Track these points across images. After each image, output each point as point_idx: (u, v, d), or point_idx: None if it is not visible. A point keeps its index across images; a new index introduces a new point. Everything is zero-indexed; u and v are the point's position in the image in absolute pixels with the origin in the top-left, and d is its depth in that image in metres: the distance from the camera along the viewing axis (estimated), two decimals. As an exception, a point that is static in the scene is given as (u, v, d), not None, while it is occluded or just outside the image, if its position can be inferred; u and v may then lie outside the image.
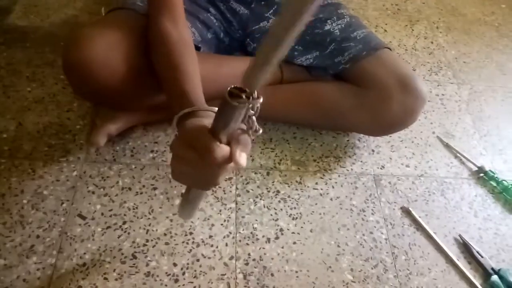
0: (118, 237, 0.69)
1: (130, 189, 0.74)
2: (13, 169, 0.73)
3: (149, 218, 0.71)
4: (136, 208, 0.72)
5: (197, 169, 0.45)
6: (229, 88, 0.40)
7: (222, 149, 0.42)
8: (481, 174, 0.88)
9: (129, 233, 0.69)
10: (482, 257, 0.75)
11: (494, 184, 0.87)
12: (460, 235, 0.78)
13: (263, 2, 0.84)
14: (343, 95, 0.78)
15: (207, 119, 0.45)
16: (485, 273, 0.74)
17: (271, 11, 0.85)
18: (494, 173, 0.87)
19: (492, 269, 0.74)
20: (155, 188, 0.75)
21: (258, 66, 0.37)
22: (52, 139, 0.78)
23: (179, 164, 0.46)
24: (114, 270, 0.65)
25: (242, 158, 0.42)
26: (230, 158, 0.42)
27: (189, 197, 0.54)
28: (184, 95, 0.54)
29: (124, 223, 0.70)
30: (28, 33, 0.95)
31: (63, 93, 0.85)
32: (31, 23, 0.97)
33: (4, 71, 0.87)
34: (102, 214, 0.71)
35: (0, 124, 0.78)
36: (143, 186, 0.75)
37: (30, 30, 0.95)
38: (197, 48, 0.77)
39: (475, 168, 0.89)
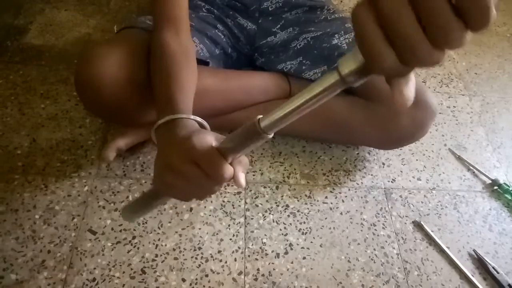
0: (128, 252, 0.69)
1: (140, 204, 0.75)
2: (26, 185, 0.75)
3: (158, 233, 0.72)
4: (146, 223, 0.73)
5: (196, 185, 0.45)
6: (258, 117, 0.42)
7: (231, 171, 0.43)
8: (495, 187, 0.86)
9: (138, 248, 0.70)
10: (498, 273, 0.73)
11: (509, 197, 0.85)
12: (474, 250, 0.76)
13: (270, 18, 0.85)
14: (352, 109, 0.78)
15: (208, 135, 0.45)
16: (501, 289, 0.72)
17: (278, 26, 0.86)
18: (509, 186, 0.85)
19: (509, 285, 0.72)
20: (164, 203, 0.75)
21: (281, 116, 0.41)
22: (65, 154, 0.80)
23: (177, 179, 0.46)
24: (123, 286, 0.65)
25: (243, 178, 0.44)
26: (232, 177, 0.43)
27: (151, 203, 0.53)
28: (173, 102, 0.54)
29: (134, 238, 0.71)
30: (43, 51, 0.97)
31: (76, 110, 0.87)
32: (46, 42, 1.00)
33: (20, 88, 0.89)
34: (112, 229, 0.71)
35: (15, 141, 0.80)
36: (153, 201, 0.76)
37: (45, 48, 0.98)
38: (206, 63, 0.78)
39: (488, 181, 0.88)
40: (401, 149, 0.90)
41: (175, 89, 0.57)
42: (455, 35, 0.25)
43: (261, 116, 0.43)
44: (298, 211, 0.78)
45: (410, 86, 0.29)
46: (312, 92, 0.40)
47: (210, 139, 0.45)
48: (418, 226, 0.79)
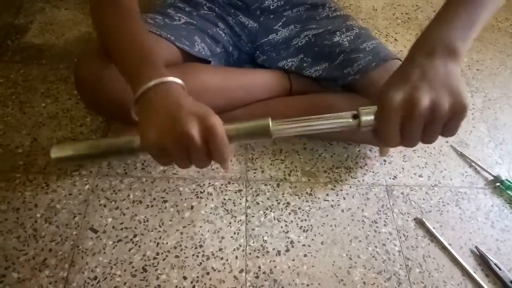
0: (129, 250, 0.69)
1: (141, 202, 0.75)
2: (27, 184, 0.75)
3: (159, 231, 0.72)
4: (147, 221, 0.73)
5: (196, 159, 0.49)
6: (270, 120, 0.49)
7: (230, 156, 0.49)
8: (498, 184, 0.86)
9: (139, 246, 0.70)
10: (500, 269, 0.73)
11: (511, 193, 0.84)
12: (476, 247, 0.76)
13: (271, 16, 0.85)
14: (352, 107, 0.78)
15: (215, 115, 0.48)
16: (503, 286, 0.72)
17: (280, 23, 0.86)
18: (511, 183, 0.85)
19: (511, 282, 0.72)
20: (165, 201, 0.75)
21: (291, 128, 0.51)
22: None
23: (179, 150, 0.47)
24: (125, 284, 0.65)
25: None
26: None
27: (120, 154, 0.54)
28: (153, 64, 0.53)
29: (135, 236, 0.71)
30: (43, 50, 0.97)
31: (77, 108, 0.87)
32: (47, 41, 1.00)
33: (21, 87, 0.89)
34: (113, 227, 0.71)
35: (16, 140, 0.80)
36: (154, 199, 0.76)
37: (46, 47, 0.98)
38: (208, 62, 0.78)
39: (491, 178, 0.87)
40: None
41: (148, 49, 0.55)
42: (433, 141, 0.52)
43: (272, 119, 0.49)
44: (299, 208, 0.78)
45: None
46: (328, 125, 0.51)
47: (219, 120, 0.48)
48: (419, 223, 0.79)
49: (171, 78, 0.51)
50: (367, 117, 0.49)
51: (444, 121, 0.47)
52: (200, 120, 0.47)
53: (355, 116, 0.48)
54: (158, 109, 0.48)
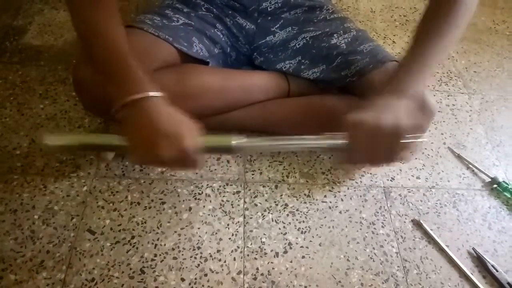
0: (127, 252, 0.69)
1: (139, 203, 0.75)
2: (25, 185, 0.75)
3: (157, 233, 0.72)
4: (145, 222, 0.73)
5: (171, 166, 0.61)
6: (233, 142, 0.59)
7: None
8: (495, 185, 0.86)
9: (137, 248, 0.70)
10: (497, 271, 0.73)
11: (508, 195, 0.85)
12: (473, 248, 0.76)
13: (269, 17, 0.85)
14: (349, 109, 0.78)
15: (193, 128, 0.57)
16: (500, 287, 0.72)
17: (277, 25, 0.86)
18: (508, 184, 0.85)
19: (508, 283, 0.72)
20: (163, 203, 0.75)
21: (255, 145, 0.64)
22: (63, 155, 0.80)
23: (156, 160, 0.56)
24: (123, 285, 0.65)
25: None
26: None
27: (108, 148, 0.65)
28: (136, 76, 0.57)
29: (133, 237, 0.71)
30: (42, 51, 0.97)
31: (75, 110, 0.87)
32: (45, 42, 1.00)
33: (19, 89, 0.89)
34: (111, 229, 0.71)
35: (14, 141, 0.80)
36: (152, 200, 0.76)
37: (44, 49, 0.98)
38: (206, 63, 0.78)
39: (488, 179, 0.88)
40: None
41: (127, 54, 0.58)
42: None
43: (236, 139, 0.59)
44: (297, 210, 0.78)
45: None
46: (302, 145, 0.66)
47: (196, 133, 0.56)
48: (417, 224, 0.79)
49: (151, 93, 0.56)
50: (336, 141, 0.61)
51: (402, 138, 0.57)
52: (173, 142, 0.54)
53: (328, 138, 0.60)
54: (136, 129, 0.56)
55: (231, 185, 0.80)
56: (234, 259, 0.70)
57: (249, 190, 0.80)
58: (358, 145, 0.59)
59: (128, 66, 0.57)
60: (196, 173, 0.80)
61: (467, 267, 0.74)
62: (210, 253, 0.70)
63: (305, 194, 0.80)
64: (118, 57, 0.58)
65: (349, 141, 0.59)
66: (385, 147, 0.58)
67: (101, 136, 0.63)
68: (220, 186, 0.79)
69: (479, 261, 0.75)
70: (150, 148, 0.55)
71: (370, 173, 0.85)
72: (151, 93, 0.56)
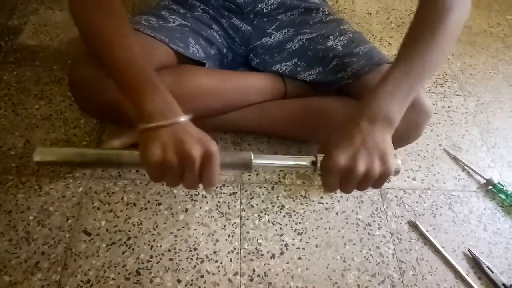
0: (123, 253, 0.69)
1: (134, 204, 0.75)
2: (20, 186, 0.74)
3: (153, 234, 0.71)
4: (141, 223, 0.72)
5: (188, 184, 0.55)
6: (252, 155, 0.57)
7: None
8: (490, 187, 0.87)
9: (133, 249, 0.69)
10: (492, 272, 0.74)
11: (503, 197, 0.85)
12: (469, 250, 0.77)
13: (265, 19, 0.85)
14: (346, 111, 0.78)
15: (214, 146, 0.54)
16: (496, 288, 0.72)
17: (273, 27, 0.86)
18: (503, 186, 0.86)
19: (504, 284, 0.72)
20: (159, 204, 0.75)
21: (269, 164, 0.60)
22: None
23: (175, 178, 0.54)
24: (118, 287, 0.65)
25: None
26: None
27: (118, 165, 0.63)
28: (164, 97, 0.55)
29: (129, 239, 0.70)
30: (37, 52, 0.97)
31: (70, 110, 0.86)
32: (41, 42, 0.99)
33: (14, 89, 0.89)
34: (107, 230, 0.71)
35: (9, 142, 0.80)
36: (148, 201, 0.75)
37: (40, 49, 0.98)
38: (202, 64, 0.78)
39: (483, 181, 0.88)
40: (396, 149, 0.90)
41: (145, 65, 0.56)
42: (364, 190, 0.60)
43: (254, 154, 0.57)
44: (294, 211, 0.78)
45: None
46: (290, 164, 0.61)
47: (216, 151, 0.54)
48: (413, 226, 0.79)
49: (182, 118, 0.55)
50: (304, 163, 0.60)
51: (373, 181, 0.58)
52: (202, 144, 0.52)
53: (313, 162, 0.59)
54: (165, 132, 0.53)
55: (227, 186, 0.80)
56: (231, 260, 0.70)
57: (246, 191, 0.80)
58: (332, 185, 0.59)
59: (155, 83, 0.55)
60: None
61: (463, 268, 0.74)
62: (206, 255, 0.70)
63: (301, 196, 0.80)
64: (138, 72, 0.56)
65: (323, 177, 0.59)
66: (359, 186, 0.59)
67: (106, 152, 0.58)
68: (216, 187, 0.79)
69: (475, 262, 0.75)
70: (179, 144, 0.52)
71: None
72: (183, 118, 0.54)
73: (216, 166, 0.53)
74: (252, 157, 0.57)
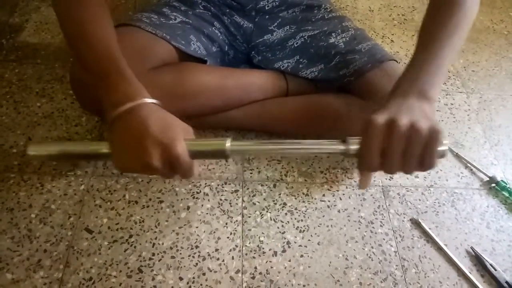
0: (125, 251, 0.69)
1: (136, 202, 0.75)
2: (22, 184, 0.74)
3: (155, 232, 0.71)
4: (143, 221, 0.72)
5: (162, 175, 0.53)
6: (226, 142, 0.54)
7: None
8: (493, 185, 0.86)
9: (135, 247, 0.69)
10: (495, 270, 0.73)
11: (506, 194, 0.85)
12: (472, 247, 0.76)
13: (267, 16, 0.85)
14: (348, 108, 0.78)
15: (180, 132, 0.53)
16: (499, 286, 0.72)
17: (275, 24, 0.86)
18: (506, 183, 0.85)
19: (507, 282, 0.72)
20: (161, 201, 0.75)
21: (248, 148, 0.57)
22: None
23: (146, 170, 0.51)
24: (120, 284, 0.65)
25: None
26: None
27: (93, 157, 0.63)
28: (129, 81, 0.55)
29: (131, 236, 0.70)
30: (39, 49, 0.97)
31: (72, 108, 0.86)
32: (42, 40, 0.99)
33: (16, 87, 0.89)
34: (109, 227, 0.71)
35: (10, 140, 0.80)
36: (150, 199, 0.75)
37: (41, 47, 0.98)
38: (204, 61, 0.78)
39: (486, 178, 0.88)
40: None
41: (119, 57, 0.56)
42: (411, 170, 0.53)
43: (229, 141, 0.54)
44: (296, 209, 0.78)
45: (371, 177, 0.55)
46: (315, 150, 0.57)
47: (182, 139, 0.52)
48: (415, 223, 0.79)
49: (148, 100, 0.53)
50: (355, 143, 0.55)
51: (422, 143, 0.50)
52: (164, 149, 0.50)
53: (343, 141, 0.55)
54: (127, 135, 0.52)
55: (229, 184, 0.80)
56: (233, 258, 0.70)
57: (248, 189, 0.79)
58: (371, 151, 0.52)
59: (121, 71, 0.55)
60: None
61: (466, 266, 0.74)
62: (208, 252, 0.70)
63: (303, 193, 0.80)
64: (109, 61, 0.56)
65: (361, 146, 0.53)
66: (418, 153, 0.51)
67: (88, 144, 0.60)
68: (218, 185, 0.79)
69: (478, 260, 0.75)
70: (140, 155, 0.50)
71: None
72: (148, 100, 0.53)
73: (184, 165, 0.51)
74: (228, 145, 0.54)
